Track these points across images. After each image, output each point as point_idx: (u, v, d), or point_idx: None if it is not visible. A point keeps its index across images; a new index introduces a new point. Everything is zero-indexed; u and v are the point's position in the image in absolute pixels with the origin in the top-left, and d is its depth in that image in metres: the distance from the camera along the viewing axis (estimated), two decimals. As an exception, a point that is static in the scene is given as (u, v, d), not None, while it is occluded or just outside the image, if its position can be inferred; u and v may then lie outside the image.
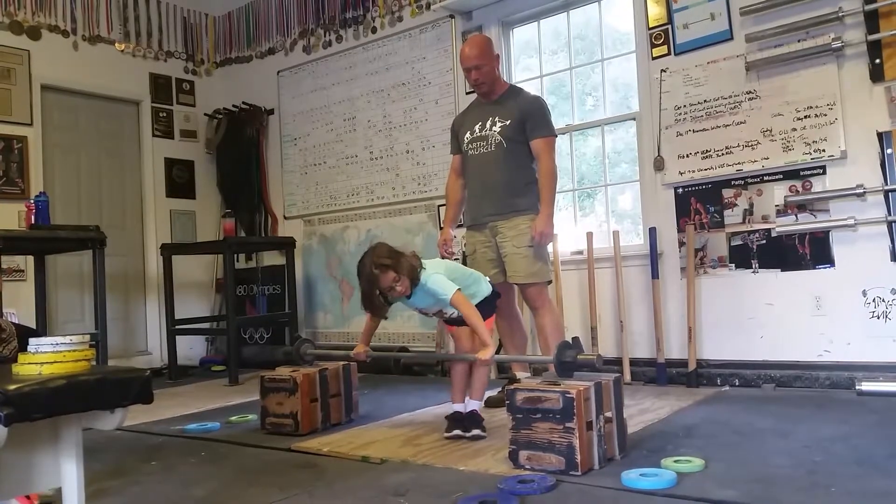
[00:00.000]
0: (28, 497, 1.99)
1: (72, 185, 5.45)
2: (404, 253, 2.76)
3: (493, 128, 3.42)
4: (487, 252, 3.47)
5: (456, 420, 2.84)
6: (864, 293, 3.48)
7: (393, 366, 4.80)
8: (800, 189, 3.66)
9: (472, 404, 2.88)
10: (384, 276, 2.67)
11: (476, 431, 2.78)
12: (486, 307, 2.95)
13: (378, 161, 5.31)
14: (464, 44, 3.60)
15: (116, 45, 5.71)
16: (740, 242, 3.83)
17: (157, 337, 5.65)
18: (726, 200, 3.87)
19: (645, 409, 3.19)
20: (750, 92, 3.79)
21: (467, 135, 3.51)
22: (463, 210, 3.69)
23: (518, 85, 3.94)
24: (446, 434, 2.80)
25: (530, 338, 3.85)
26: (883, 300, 3.44)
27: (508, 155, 3.38)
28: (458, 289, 2.76)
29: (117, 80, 5.68)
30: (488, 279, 3.09)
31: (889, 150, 3.43)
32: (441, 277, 2.76)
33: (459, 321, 2.91)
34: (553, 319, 3.41)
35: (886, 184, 3.42)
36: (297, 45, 5.80)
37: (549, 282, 3.48)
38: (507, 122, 3.39)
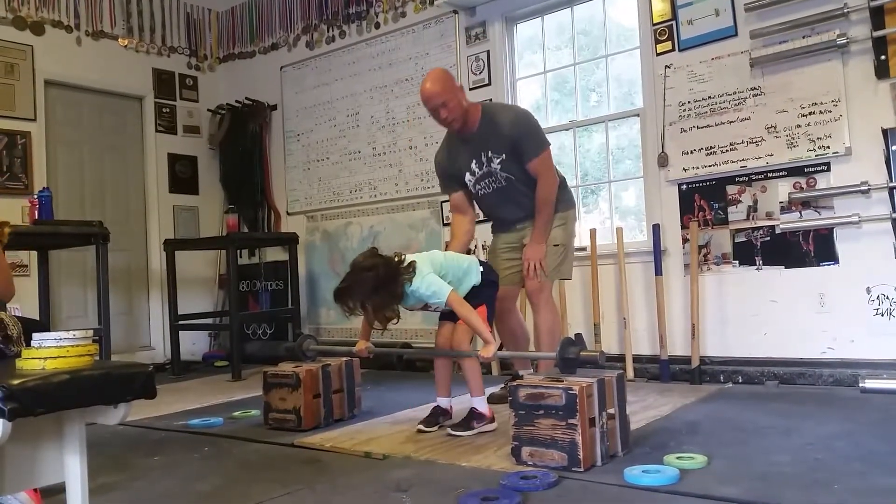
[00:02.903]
0: (36, 491, 1.99)
1: (75, 181, 5.45)
2: (390, 296, 2.65)
3: (492, 164, 3.22)
4: (509, 252, 3.39)
5: (433, 414, 2.91)
6: (868, 290, 3.47)
7: (395, 362, 4.81)
8: (804, 186, 3.65)
9: (475, 402, 2.85)
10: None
11: (458, 431, 2.77)
12: (484, 296, 2.90)
13: (381, 157, 5.30)
14: (423, 81, 3.17)
15: (120, 40, 5.71)
16: (744, 239, 3.82)
17: (160, 332, 5.66)
18: (730, 197, 3.86)
19: (648, 406, 3.20)
20: (754, 88, 3.77)
21: (468, 176, 3.30)
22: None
23: (487, 101, 3.66)
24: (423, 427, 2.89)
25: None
26: (887, 297, 3.43)
27: (522, 185, 3.25)
28: (453, 289, 2.73)
29: (120, 75, 5.67)
30: (480, 269, 2.94)
31: (894, 147, 3.42)
32: (433, 279, 2.70)
33: (446, 313, 2.89)
34: (548, 320, 3.26)
35: (891, 181, 3.41)
36: (301, 40, 5.79)
37: (566, 278, 3.46)
38: (503, 156, 3.19)
